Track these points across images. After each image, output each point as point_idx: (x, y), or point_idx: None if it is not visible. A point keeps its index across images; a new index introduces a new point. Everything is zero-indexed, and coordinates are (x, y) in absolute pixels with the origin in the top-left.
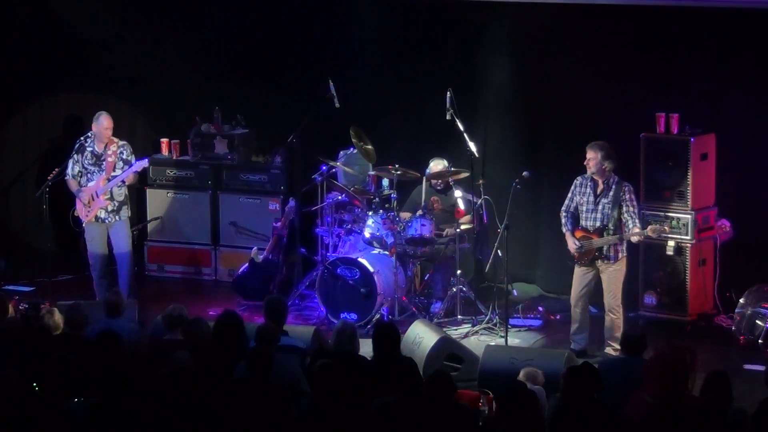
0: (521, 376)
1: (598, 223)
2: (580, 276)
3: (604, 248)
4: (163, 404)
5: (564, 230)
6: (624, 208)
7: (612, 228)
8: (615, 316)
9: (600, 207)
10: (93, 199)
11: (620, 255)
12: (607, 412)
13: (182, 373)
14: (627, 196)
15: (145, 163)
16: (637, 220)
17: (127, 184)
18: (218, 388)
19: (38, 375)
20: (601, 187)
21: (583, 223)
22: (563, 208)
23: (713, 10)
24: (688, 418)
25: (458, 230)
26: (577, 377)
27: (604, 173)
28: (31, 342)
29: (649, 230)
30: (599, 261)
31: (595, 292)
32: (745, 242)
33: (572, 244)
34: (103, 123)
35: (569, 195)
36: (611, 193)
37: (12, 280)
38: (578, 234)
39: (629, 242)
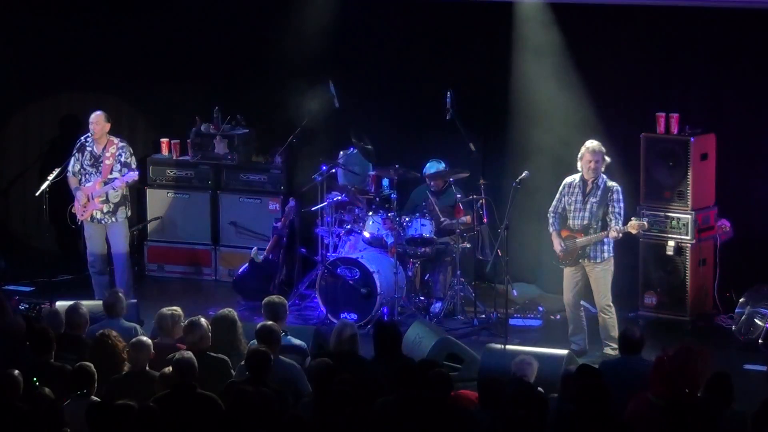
0: (514, 366)
1: (585, 222)
2: (569, 277)
3: (589, 248)
4: (163, 405)
5: (551, 230)
6: (610, 209)
7: (596, 227)
8: (607, 316)
9: (588, 206)
10: (89, 201)
11: (606, 255)
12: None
13: (185, 373)
14: (615, 197)
15: (134, 176)
16: (620, 221)
17: (118, 189)
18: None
19: (38, 375)
20: (590, 186)
21: (570, 222)
22: (551, 208)
23: (713, 10)
24: (694, 420)
25: (458, 230)
26: (580, 381)
27: (600, 171)
28: (32, 342)
29: (629, 227)
30: (584, 260)
31: (587, 291)
32: (745, 242)
33: (557, 245)
34: (91, 119)
35: (557, 196)
36: (600, 192)
37: (12, 280)
38: (564, 234)
39: (618, 242)
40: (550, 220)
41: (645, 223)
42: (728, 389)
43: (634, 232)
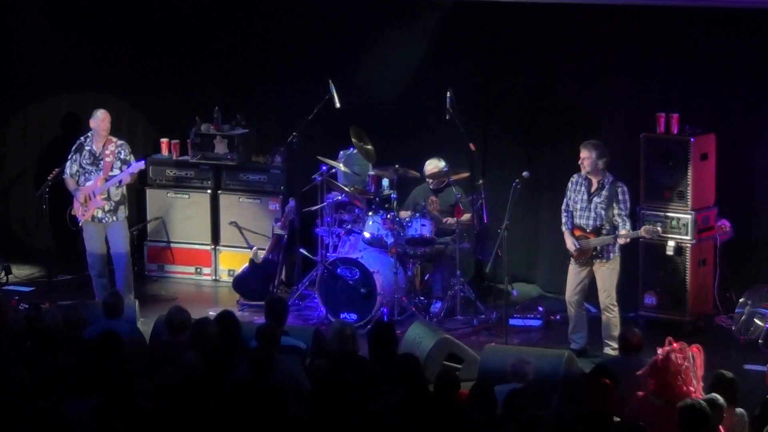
0: (510, 366)
1: (592, 222)
2: (574, 275)
3: (599, 247)
4: (167, 405)
5: (563, 228)
6: (616, 210)
7: (608, 227)
8: (611, 315)
9: (593, 206)
10: (90, 199)
11: (613, 254)
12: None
13: (191, 374)
14: (621, 197)
15: (141, 165)
16: (627, 223)
17: (124, 184)
18: (222, 389)
19: (39, 375)
20: (595, 186)
21: (577, 221)
22: (563, 206)
23: (713, 10)
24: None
25: (457, 230)
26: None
27: (599, 172)
28: (32, 342)
29: (643, 230)
30: (595, 260)
31: (590, 291)
32: (745, 242)
33: (571, 244)
34: (99, 116)
35: (567, 193)
36: (605, 192)
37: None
38: (576, 233)
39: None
40: (563, 219)
41: (658, 228)
42: (732, 389)
43: (647, 236)
